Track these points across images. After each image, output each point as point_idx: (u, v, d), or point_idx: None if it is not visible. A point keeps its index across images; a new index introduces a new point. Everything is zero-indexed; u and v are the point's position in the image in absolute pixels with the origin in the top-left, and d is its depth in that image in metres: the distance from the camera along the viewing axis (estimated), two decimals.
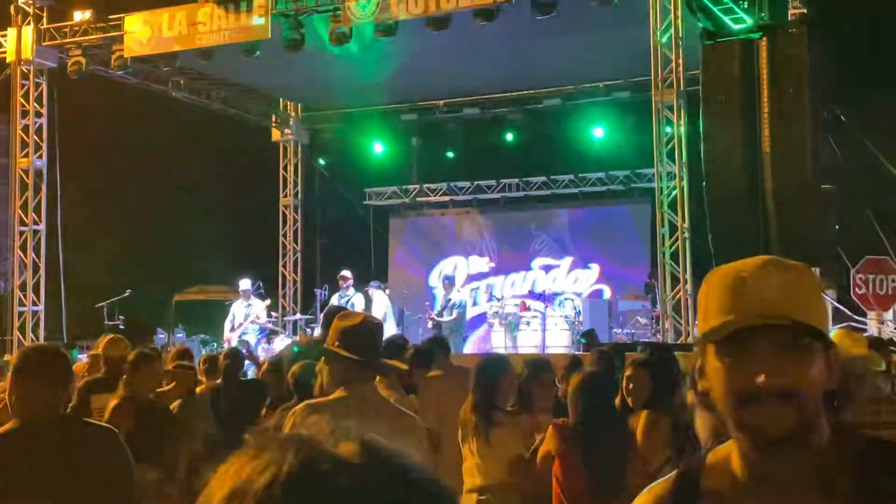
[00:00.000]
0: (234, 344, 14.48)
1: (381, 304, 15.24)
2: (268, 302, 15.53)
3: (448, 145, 19.34)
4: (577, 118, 17.84)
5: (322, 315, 7.48)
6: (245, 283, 15.38)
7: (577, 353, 12.43)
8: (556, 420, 4.68)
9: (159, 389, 6.23)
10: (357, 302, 14.65)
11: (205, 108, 17.78)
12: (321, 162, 20.05)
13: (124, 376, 5.89)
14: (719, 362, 1.57)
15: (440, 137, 19.01)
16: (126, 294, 15.17)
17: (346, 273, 15.09)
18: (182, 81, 16.78)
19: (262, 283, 16.07)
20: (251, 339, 14.80)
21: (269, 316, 16.20)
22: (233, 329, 15.14)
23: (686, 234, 13.34)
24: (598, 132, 17.97)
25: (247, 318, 15.07)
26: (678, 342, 13.20)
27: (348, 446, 0.95)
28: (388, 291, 15.93)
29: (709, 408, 1.69)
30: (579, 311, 15.64)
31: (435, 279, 19.78)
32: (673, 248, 13.46)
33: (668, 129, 13.51)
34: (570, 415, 4.55)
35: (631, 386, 4.71)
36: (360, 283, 15.31)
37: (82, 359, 10.63)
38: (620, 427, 4.56)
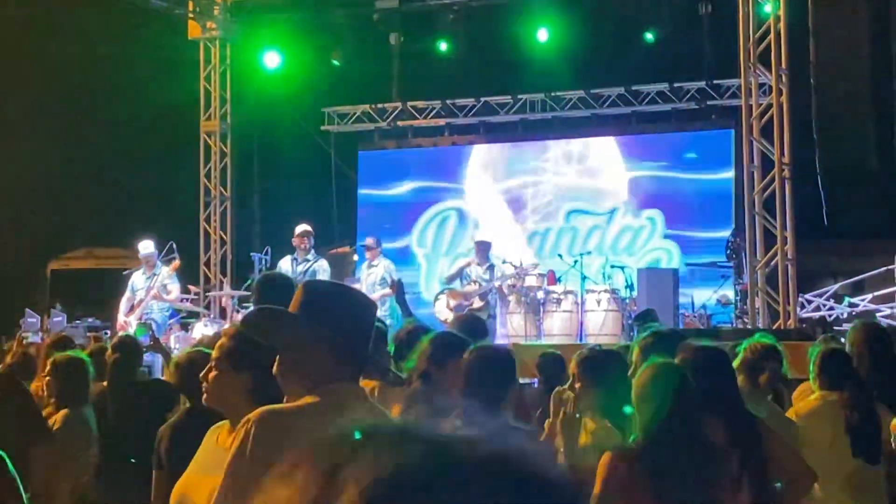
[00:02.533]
0: (131, 331, 14.50)
1: (374, 272, 15.48)
2: (176, 263, 15.54)
3: (442, 45, 19.20)
4: (623, 6, 17.66)
5: (254, 286, 7.36)
6: (146, 246, 15.39)
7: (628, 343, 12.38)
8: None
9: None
10: (321, 270, 14.68)
11: None
12: (260, 71, 19.87)
13: None
14: None
15: (431, 33, 18.87)
16: None
17: (304, 228, 15.00)
18: None
19: (174, 245, 15.99)
20: (156, 318, 14.88)
21: (186, 291, 16.15)
22: (131, 310, 15.17)
23: (786, 173, 13.27)
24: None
25: (149, 294, 15.08)
26: (774, 327, 13.15)
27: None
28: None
29: None
30: (632, 284, 15.56)
31: (416, 238, 19.84)
32: (767, 192, 13.37)
33: (762, 22, 13.38)
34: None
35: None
36: (323, 245, 15.28)
37: None
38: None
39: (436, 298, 15.94)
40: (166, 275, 15.37)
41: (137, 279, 15.44)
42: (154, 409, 6.72)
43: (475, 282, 15.26)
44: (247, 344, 4.03)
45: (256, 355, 3.95)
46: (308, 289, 3.61)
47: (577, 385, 5.53)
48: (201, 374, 4.28)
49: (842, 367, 6.09)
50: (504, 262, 15.55)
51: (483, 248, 15.76)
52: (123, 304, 15.41)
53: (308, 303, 3.52)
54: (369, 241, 15.92)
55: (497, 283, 15.18)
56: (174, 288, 15.48)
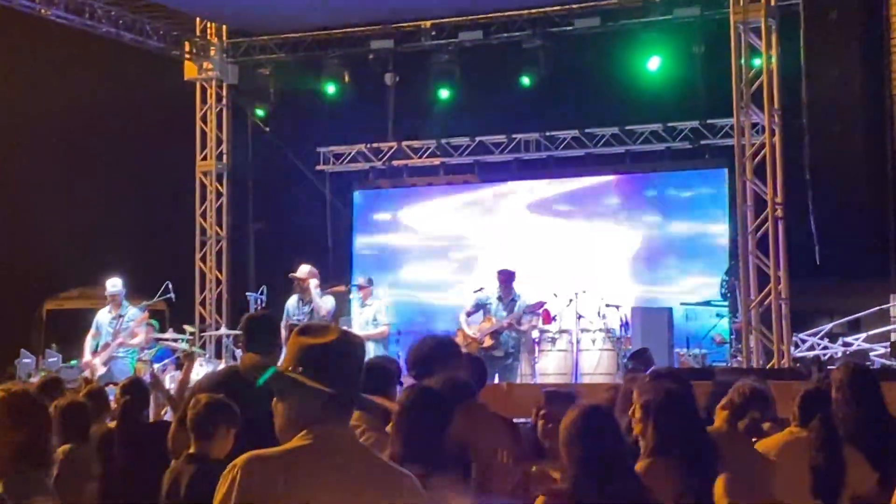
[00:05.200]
0: (98, 373, 14.48)
1: (367, 311, 15.45)
2: (145, 315, 15.26)
3: (438, 86, 19.28)
4: (623, 46, 17.78)
5: (240, 327, 7.41)
6: (114, 284, 15.18)
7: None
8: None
9: None
10: (326, 308, 14.65)
11: (89, 32, 17.70)
12: (257, 111, 20.01)
13: None
14: None
15: (426, 75, 18.95)
16: None
17: (304, 270, 14.89)
18: None
19: (170, 285, 16.02)
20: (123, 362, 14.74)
21: (181, 331, 16.08)
22: (97, 351, 14.98)
23: (779, 213, 13.37)
24: (652, 64, 17.94)
25: (118, 336, 14.89)
26: (767, 367, 13.25)
27: None
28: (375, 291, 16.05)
29: None
30: (627, 323, 15.62)
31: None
32: (760, 231, 13.47)
33: (755, 62, 13.52)
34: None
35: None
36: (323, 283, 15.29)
37: None
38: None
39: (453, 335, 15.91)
40: (132, 317, 15.03)
41: (103, 317, 15.13)
42: (161, 452, 6.76)
43: (490, 318, 15.17)
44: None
45: None
46: (301, 341, 3.60)
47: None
48: None
49: (817, 406, 6.10)
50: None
51: (505, 279, 15.47)
52: (89, 343, 15.08)
53: (301, 356, 3.55)
54: (361, 280, 15.88)
55: (507, 322, 15.04)
56: (140, 331, 15.07)
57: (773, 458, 6.00)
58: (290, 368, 3.55)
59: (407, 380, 6.71)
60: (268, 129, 20.05)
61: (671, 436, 5.23)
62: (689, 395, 5.71)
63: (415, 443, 4.87)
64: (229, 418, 5.98)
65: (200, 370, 14.92)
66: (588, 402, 5.24)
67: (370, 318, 15.31)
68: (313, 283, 14.70)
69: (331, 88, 19.41)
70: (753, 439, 6.21)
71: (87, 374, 14.42)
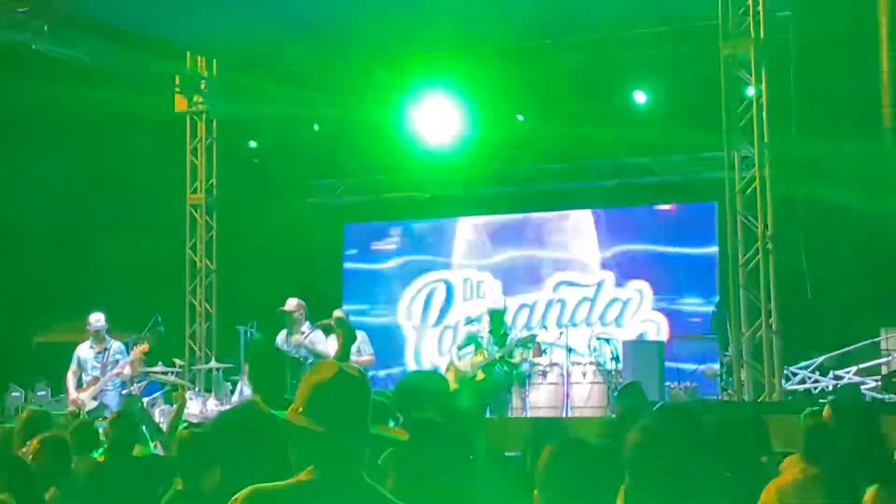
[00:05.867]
0: (88, 407, 14.44)
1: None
2: (145, 346, 15.29)
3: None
4: (609, 79, 17.82)
5: (246, 361, 7.43)
6: (98, 319, 15.17)
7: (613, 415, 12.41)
8: None
9: None
10: (318, 342, 14.54)
11: (76, 65, 17.71)
12: (247, 143, 20.03)
13: None
14: None
15: None
16: None
17: (293, 303, 14.88)
18: (46, 27, 16.71)
19: (160, 318, 16.00)
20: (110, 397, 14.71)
21: (171, 364, 16.03)
22: (81, 387, 14.98)
23: (770, 246, 13.38)
24: (639, 98, 17.99)
25: (107, 370, 14.92)
26: (759, 399, 13.23)
27: None
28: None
29: None
30: (618, 356, 15.63)
31: (404, 311, 19.87)
32: (751, 265, 13.47)
33: (744, 93, 13.57)
34: None
35: None
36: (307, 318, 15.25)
37: None
38: None
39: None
40: (118, 350, 15.11)
41: (84, 352, 15.15)
42: (150, 485, 6.75)
43: (483, 352, 15.08)
44: None
45: None
46: (306, 380, 3.66)
47: None
48: None
49: (826, 441, 6.10)
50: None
51: (496, 315, 15.33)
52: (71, 379, 15.09)
53: (303, 397, 3.60)
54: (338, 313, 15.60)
55: (498, 354, 14.99)
56: (125, 363, 15.08)
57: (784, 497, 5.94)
58: (297, 409, 3.58)
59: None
60: (258, 160, 20.06)
61: None
62: None
63: None
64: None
65: (191, 404, 14.92)
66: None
67: (354, 348, 15.19)
68: (302, 318, 14.70)
69: (321, 121, 19.45)
70: None
71: (72, 409, 14.38)
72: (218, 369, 16.75)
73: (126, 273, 18.82)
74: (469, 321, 16.22)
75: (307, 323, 14.82)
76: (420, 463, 5.21)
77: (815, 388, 14.54)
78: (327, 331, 14.98)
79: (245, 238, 19.89)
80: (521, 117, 18.58)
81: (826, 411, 6.54)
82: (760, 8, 13.28)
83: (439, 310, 20.04)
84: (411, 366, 19.29)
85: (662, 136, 17.99)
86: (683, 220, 18.80)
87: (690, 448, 5.72)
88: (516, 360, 15.15)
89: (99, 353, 15.06)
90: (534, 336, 15.41)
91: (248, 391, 15.36)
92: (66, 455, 7.03)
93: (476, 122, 18.65)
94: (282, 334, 14.87)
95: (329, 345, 14.17)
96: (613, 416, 12.32)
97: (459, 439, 5.67)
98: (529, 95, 18.24)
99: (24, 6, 15.23)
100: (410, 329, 20.06)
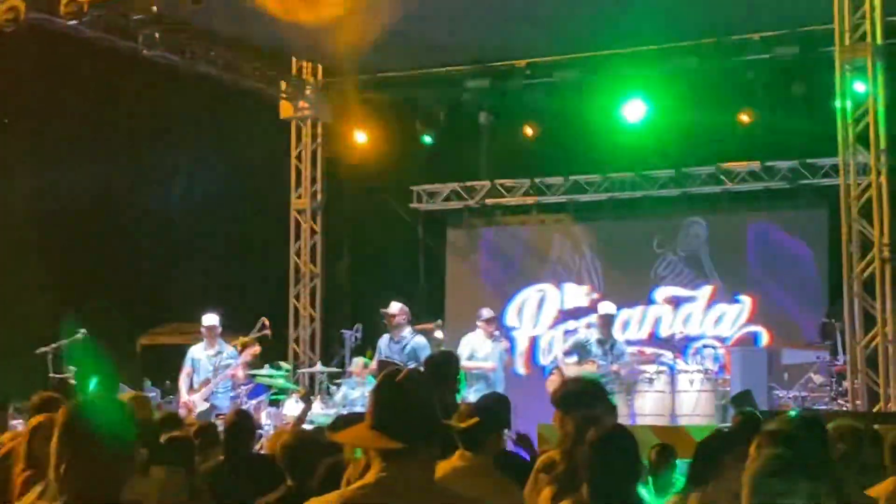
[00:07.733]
0: (198, 409, 14.57)
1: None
2: (257, 349, 15.42)
3: (531, 125, 19.26)
4: (716, 85, 17.61)
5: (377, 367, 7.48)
6: (211, 319, 15.32)
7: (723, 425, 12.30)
8: None
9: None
10: (420, 348, 14.50)
11: (187, 71, 17.90)
12: (350, 148, 20.11)
13: None
14: None
15: (521, 113, 18.95)
16: (78, 335, 15.27)
17: (395, 307, 14.96)
18: (157, 35, 16.92)
19: (266, 322, 16.10)
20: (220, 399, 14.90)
21: (277, 367, 16.12)
22: (193, 388, 15.13)
23: (886, 254, 13.19)
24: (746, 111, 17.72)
25: (218, 372, 15.05)
26: (874, 410, 13.02)
27: None
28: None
29: None
30: (724, 365, 15.49)
31: (514, 316, 19.74)
32: (867, 273, 13.27)
33: (859, 99, 13.38)
34: None
35: None
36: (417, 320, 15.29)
37: (17, 426, 10.69)
38: None
39: (548, 375, 15.84)
40: (231, 354, 15.23)
41: (198, 353, 15.31)
42: (264, 485, 6.80)
43: (593, 361, 15.03)
44: None
45: None
46: (380, 398, 3.68)
47: None
48: None
49: None
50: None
51: (605, 322, 15.52)
52: (184, 381, 15.26)
53: (380, 413, 3.63)
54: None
55: (614, 367, 14.98)
56: (237, 365, 15.24)
57: None
58: (369, 425, 3.63)
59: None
60: (362, 166, 20.14)
61: None
62: None
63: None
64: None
65: (296, 407, 15.00)
66: None
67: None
68: (404, 322, 14.70)
69: (425, 127, 19.48)
70: None
71: (182, 411, 14.51)
72: (322, 373, 16.83)
73: (231, 276, 19.02)
74: (587, 326, 16.15)
75: (409, 328, 14.83)
76: None
77: None
78: (427, 336, 14.98)
79: (349, 243, 20.01)
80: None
81: None
82: (878, 13, 13.09)
83: (542, 315, 19.92)
84: (521, 371, 19.22)
85: (770, 142, 17.81)
86: (791, 228, 18.53)
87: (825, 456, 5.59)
88: (625, 371, 15.15)
89: (212, 355, 15.19)
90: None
91: (351, 393, 15.49)
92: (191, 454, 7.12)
93: None
94: (384, 338, 14.91)
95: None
96: (725, 424, 12.20)
97: None
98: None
99: (137, 13, 15.41)
100: (519, 334, 19.94)
